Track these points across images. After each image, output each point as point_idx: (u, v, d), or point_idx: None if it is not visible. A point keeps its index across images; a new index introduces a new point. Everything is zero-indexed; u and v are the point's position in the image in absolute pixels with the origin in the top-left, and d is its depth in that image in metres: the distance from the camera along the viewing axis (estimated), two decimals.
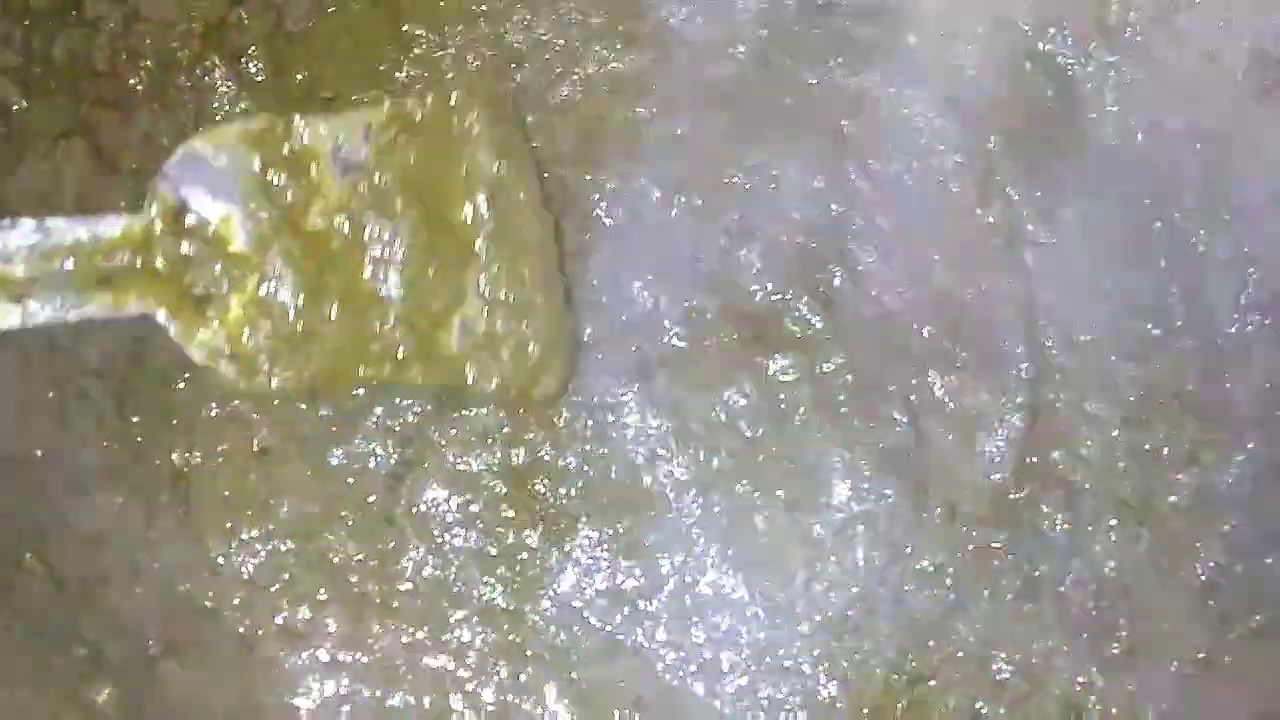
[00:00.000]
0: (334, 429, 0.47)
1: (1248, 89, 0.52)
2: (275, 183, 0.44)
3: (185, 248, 0.42)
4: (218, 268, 0.43)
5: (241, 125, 0.43)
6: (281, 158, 0.44)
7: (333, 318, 0.44)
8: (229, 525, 0.46)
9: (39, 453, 0.44)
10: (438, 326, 0.46)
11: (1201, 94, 0.53)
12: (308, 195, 0.44)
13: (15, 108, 0.43)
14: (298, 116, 0.44)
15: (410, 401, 0.47)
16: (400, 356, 0.46)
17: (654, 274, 0.51)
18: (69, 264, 0.40)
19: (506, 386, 0.47)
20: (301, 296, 0.44)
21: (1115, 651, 0.48)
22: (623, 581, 0.46)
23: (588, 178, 0.52)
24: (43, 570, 0.42)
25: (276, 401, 0.47)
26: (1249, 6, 0.51)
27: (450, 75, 0.52)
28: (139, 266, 0.41)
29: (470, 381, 0.47)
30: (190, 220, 0.42)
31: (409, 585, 0.46)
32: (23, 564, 0.42)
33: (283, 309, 0.43)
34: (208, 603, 0.44)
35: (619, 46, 0.54)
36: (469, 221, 0.46)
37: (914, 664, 0.47)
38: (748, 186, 0.52)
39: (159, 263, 0.42)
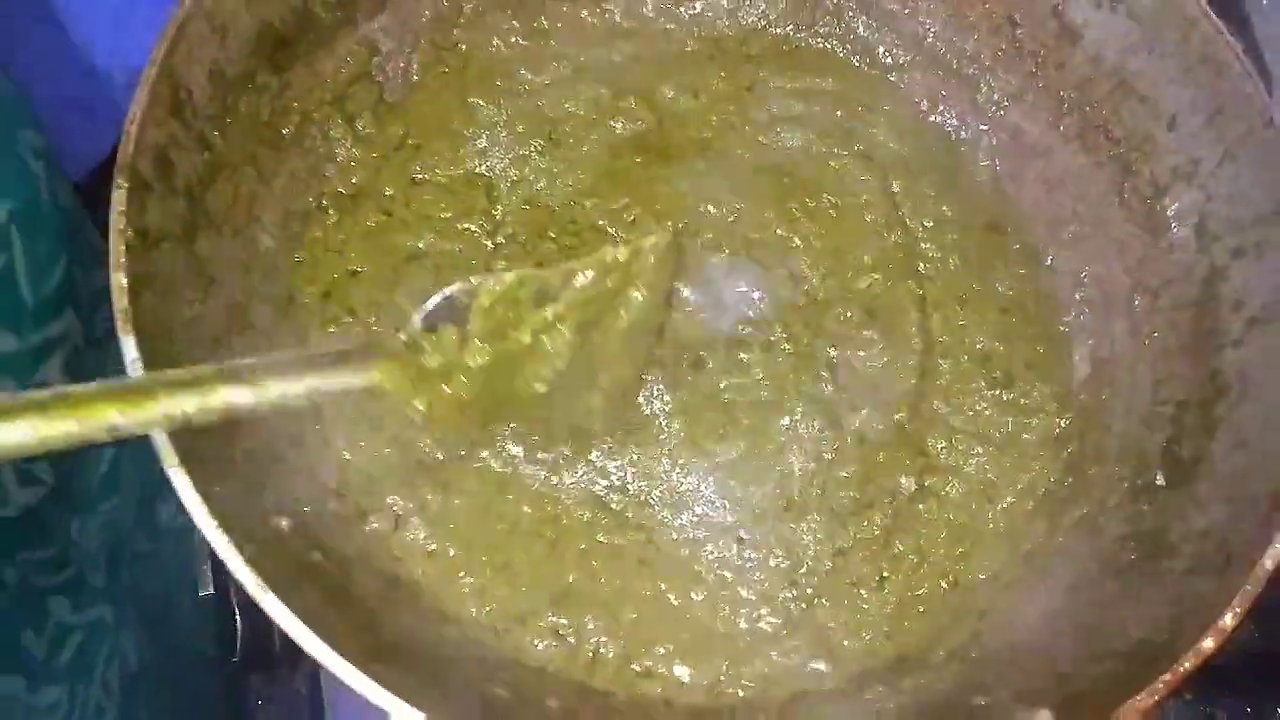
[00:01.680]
0: None
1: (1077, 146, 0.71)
2: (497, 314, 0.57)
3: (426, 352, 0.55)
4: (438, 364, 0.55)
5: (484, 278, 0.57)
6: (504, 298, 0.57)
7: (498, 393, 0.58)
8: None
9: None
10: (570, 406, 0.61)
11: (1045, 151, 0.73)
12: (515, 323, 0.58)
13: (215, 143, 0.60)
14: (521, 274, 0.58)
15: None
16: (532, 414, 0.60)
17: None
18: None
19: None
20: (482, 382, 0.57)
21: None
22: (629, 480, 0.63)
23: None
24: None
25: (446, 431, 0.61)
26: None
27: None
28: (395, 363, 0.53)
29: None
30: (434, 333, 0.55)
31: (479, 477, 0.63)
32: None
33: (468, 389, 0.56)
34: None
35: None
36: (614, 334, 0.62)
37: (835, 541, 0.64)
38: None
39: (410, 363, 0.54)
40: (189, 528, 0.74)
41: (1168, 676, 0.49)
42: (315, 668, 0.72)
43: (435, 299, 0.55)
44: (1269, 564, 0.51)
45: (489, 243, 0.68)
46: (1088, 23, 0.68)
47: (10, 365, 0.64)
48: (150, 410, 0.46)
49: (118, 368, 0.77)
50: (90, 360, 0.72)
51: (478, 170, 0.70)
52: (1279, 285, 0.59)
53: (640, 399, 0.65)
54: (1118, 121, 0.68)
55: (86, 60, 0.96)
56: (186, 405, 0.47)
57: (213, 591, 0.84)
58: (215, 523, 0.47)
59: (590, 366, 0.61)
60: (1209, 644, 0.50)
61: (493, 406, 0.58)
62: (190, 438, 0.50)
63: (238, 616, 0.79)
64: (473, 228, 0.68)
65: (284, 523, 0.54)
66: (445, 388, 0.56)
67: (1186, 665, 0.49)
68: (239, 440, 0.55)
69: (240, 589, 0.72)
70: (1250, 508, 0.54)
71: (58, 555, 0.75)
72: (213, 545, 0.47)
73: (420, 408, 0.55)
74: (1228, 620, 0.50)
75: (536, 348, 0.59)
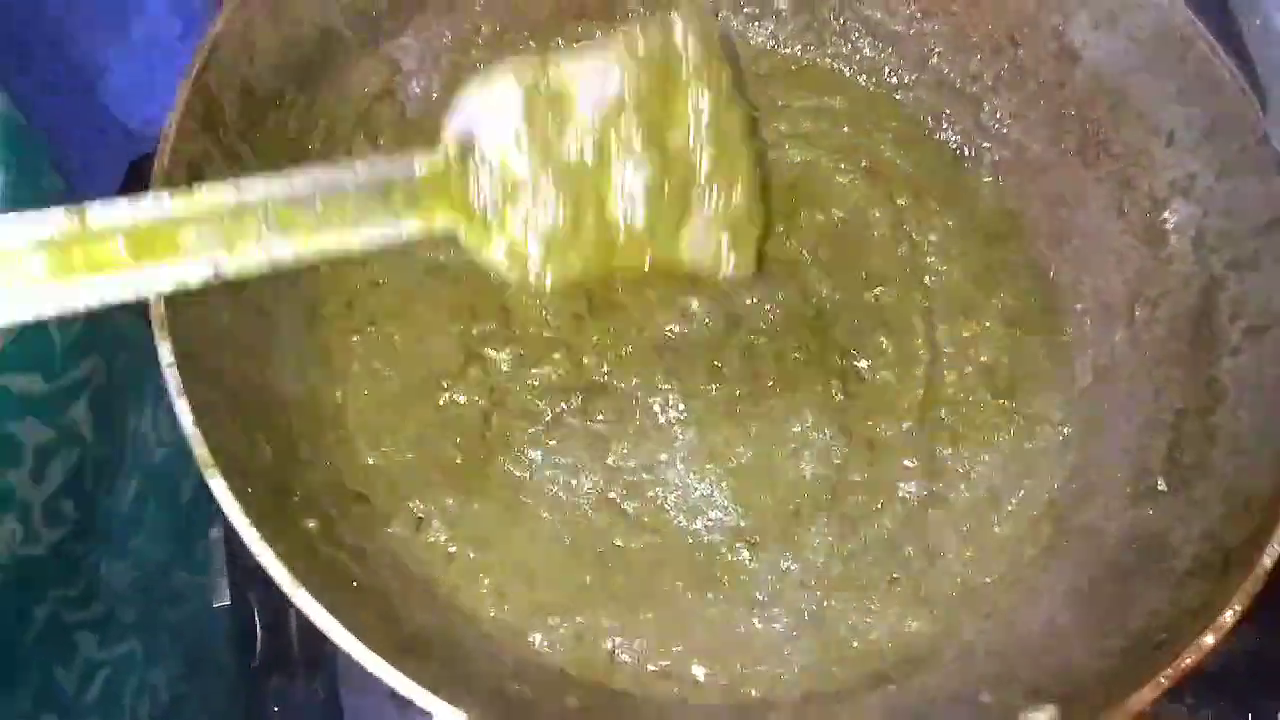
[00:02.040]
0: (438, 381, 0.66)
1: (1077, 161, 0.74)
2: (537, 117, 0.51)
3: (472, 175, 0.51)
4: (498, 189, 0.51)
5: (508, 69, 0.51)
6: (540, 96, 0.51)
7: (588, 226, 0.53)
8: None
9: None
10: (669, 236, 0.56)
11: (1047, 167, 0.75)
12: (561, 125, 0.52)
13: (244, 156, 0.62)
14: (553, 58, 0.52)
15: (502, 357, 0.66)
16: (638, 256, 0.55)
17: None
18: (387, 194, 0.48)
19: (715, 269, 0.58)
20: (562, 211, 0.52)
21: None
22: (644, 485, 0.64)
23: None
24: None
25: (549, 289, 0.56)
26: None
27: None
28: (441, 192, 0.50)
29: (689, 267, 0.57)
30: (474, 152, 0.51)
31: (498, 482, 0.64)
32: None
33: (549, 221, 0.52)
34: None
35: None
36: (691, 145, 0.54)
37: (845, 544, 0.65)
38: None
39: (455, 188, 0.50)
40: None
41: (1169, 671, 0.50)
42: (334, 671, 0.74)
43: (457, 106, 0.51)
44: (1268, 562, 0.53)
45: None
46: (1087, 44, 0.70)
47: (41, 405, 0.66)
48: (166, 256, 0.45)
49: (139, 406, 0.79)
50: (113, 401, 0.74)
51: None
52: (1273, 295, 0.61)
53: (649, 407, 0.66)
54: (1117, 138, 0.70)
55: (103, 111, 1.00)
56: (215, 252, 0.46)
57: (229, 602, 0.85)
58: (249, 521, 0.49)
59: (685, 191, 0.56)
60: (1209, 640, 0.51)
61: (595, 251, 0.54)
62: (224, 442, 0.52)
63: (258, 622, 0.80)
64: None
65: (311, 523, 0.56)
66: (524, 222, 0.51)
67: (1188, 661, 0.51)
68: (266, 444, 0.57)
69: (263, 592, 0.75)
70: (1248, 510, 0.56)
71: (85, 591, 0.77)
72: (247, 543, 0.49)
73: (503, 250, 0.51)
74: (1228, 617, 0.52)
75: (609, 166, 0.53)
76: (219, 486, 0.49)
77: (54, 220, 0.43)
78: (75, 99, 0.99)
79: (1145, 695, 0.50)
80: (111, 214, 0.44)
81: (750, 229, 0.60)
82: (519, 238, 0.52)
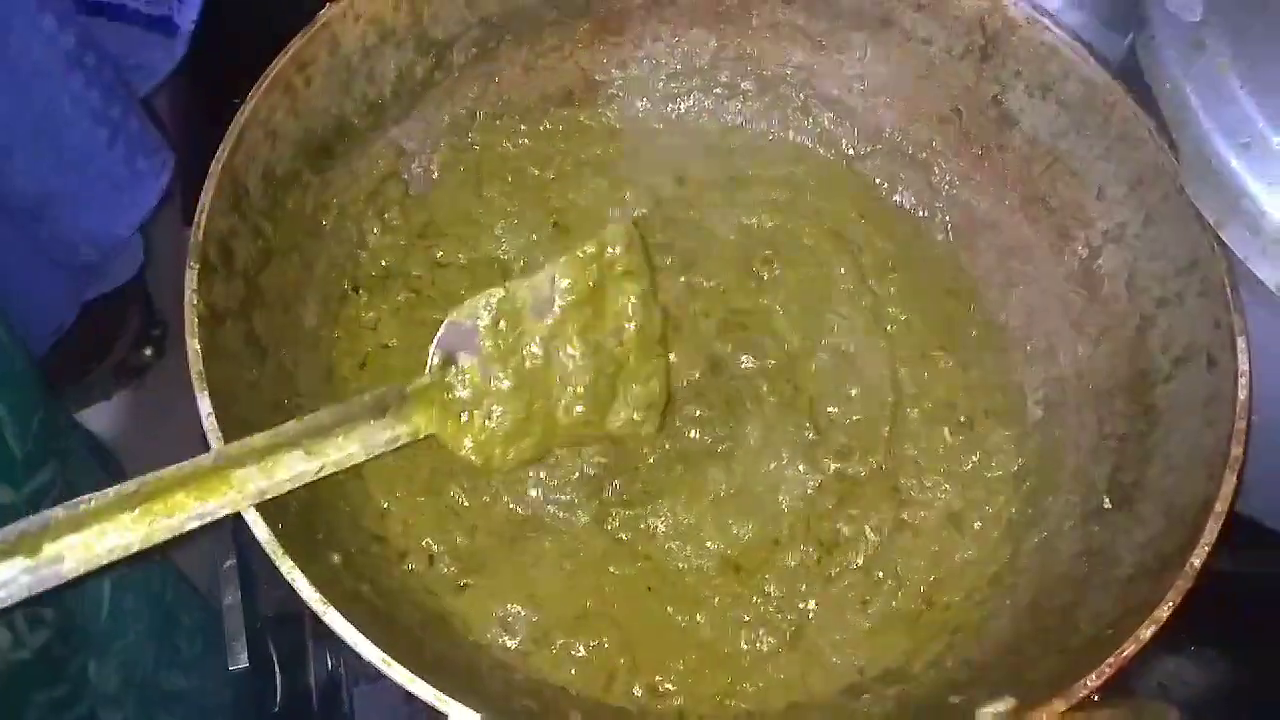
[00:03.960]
0: None
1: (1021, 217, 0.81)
2: (501, 331, 0.62)
3: (451, 384, 0.62)
4: (470, 396, 0.62)
5: (476, 301, 0.63)
6: (501, 317, 0.63)
7: (537, 417, 0.64)
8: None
9: None
10: (601, 417, 0.67)
11: (994, 223, 0.83)
12: (518, 339, 0.63)
13: (267, 232, 0.68)
14: (508, 285, 0.63)
15: None
16: (576, 433, 0.67)
17: None
18: (385, 411, 0.59)
19: (634, 434, 0.69)
20: (519, 409, 0.63)
21: None
22: (637, 516, 0.70)
23: None
24: None
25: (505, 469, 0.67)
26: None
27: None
28: (426, 403, 0.60)
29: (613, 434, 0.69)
30: (454, 367, 0.62)
31: (502, 519, 0.70)
32: None
33: (507, 421, 0.63)
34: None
35: None
36: (621, 343, 0.67)
37: (822, 570, 0.71)
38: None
39: (436, 398, 0.61)
40: (217, 664, 0.80)
41: (1111, 660, 0.56)
42: (352, 716, 0.78)
43: (441, 330, 0.62)
44: (1196, 563, 0.59)
45: None
46: (1023, 110, 0.77)
47: (9, 515, 0.70)
48: (225, 493, 0.53)
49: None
50: None
51: (494, 254, 0.78)
52: (1196, 327, 0.67)
53: (646, 447, 0.73)
54: (1054, 194, 0.77)
55: (52, 237, 1.05)
56: (258, 482, 0.54)
57: (246, 665, 0.89)
58: (282, 549, 0.54)
59: (613, 379, 0.68)
60: (1148, 633, 0.57)
61: (542, 434, 0.65)
62: None
63: (278, 674, 0.85)
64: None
65: (335, 558, 0.62)
66: (487, 422, 0.63)
67: (1128, 651, 0.57)
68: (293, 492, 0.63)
69: (281, 642, 0.80)
70: (1182, 520, 0.62)
71: (70, 694, 0.80)
72: (280, 569, 0.54)
73: (470, 447, 0.62)
74: (1164, 612, 0.57)
75: (554, 364, 0.65)
76: (253, 519, 0.55)
77: (138, 484, 0.52)
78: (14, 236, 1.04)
79: (1091, 683, 0.56)
80: (180, 472, 0.54)
81: (660, 403, 0.71)
82: (484, 436, 0.64)
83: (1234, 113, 0.64)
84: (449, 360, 0.63)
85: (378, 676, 0.73)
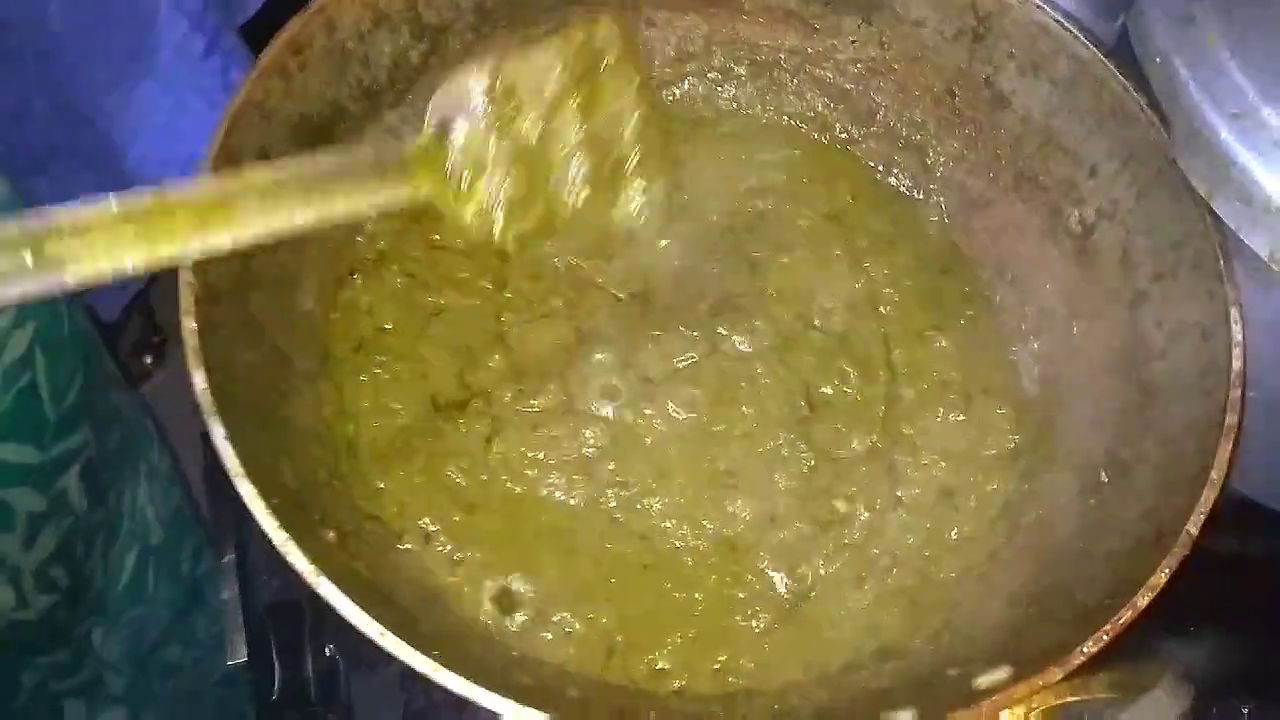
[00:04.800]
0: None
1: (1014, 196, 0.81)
2: (498, 98, 0.59)
3: (448, 154, 0.58)
4: (468, 165, 0.59)
5: (470, 69, 0.59)
6: (496, 90, 0.59)
7: (540, 196, 0.61)
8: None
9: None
10: (605, 209, 0.64)
11: (987, 203, 0.83)
12: (514, 113, 0.60)
13: None
14: (503, 61, 0.60)
15: (500, 391, 0.72)
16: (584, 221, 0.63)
17: None
18: (385, 168, 0.57)
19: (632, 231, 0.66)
20: (519, 182, 0.60)
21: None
22: (632, 496, 0.70)
23: None
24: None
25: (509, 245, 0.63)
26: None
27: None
28: (424, 167, 0.58)
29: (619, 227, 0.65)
30: (449, 136, 0.58)
31: (500, 498, 0.70)
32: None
33: (509, 189, 0.60)
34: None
35: None
36: (618, 129, 0.64)
37: (818, 547, 0.71)
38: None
39: (435, 164, 0.58)
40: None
41: (1109, 627, 0.56)
42: (350, 704, 0.78)
43: (435, 96, 0.60)
44: (1193, 530, 0.59)
45: (502, 296, 0.76)
46: (1015, 90, 0.77)
47: (32, 476, 0.70)
48: (225, 226, 0.52)
49: (134, 480, 0.82)
50: (104, 473, 0.79)
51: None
52: (1191, 301, 0.68)
53: (633, 429, 0.73)
54: (1047, 173, 0.77)
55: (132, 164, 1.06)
56: (258, 220, 0.53)
57: (245, 658, 0.89)
58: (277, 522, 0.54)
59: (616, 167, 0.65)
60: (1144, 601, 0.57)
61: (545, 212, 0.63)
62: (250, 459, 0.58)
63: (276, 663, 0.85)
64: (488, 285, 0.76)
65: (330, 534, 0.62)
66: (488, 188, 0.60)
67: (1125, 617, 0.57)
68: (287, 468, 0.63)
69: (281, 630, 0.79)
70: (1178, 491, 0.62)
71: (73, 659, 0.80)
72: (274, 541, 0.54)
73: (471, 213, 0.60)
74: (1160, 578, 0.57)
75: (556, 139, 0.62)
76: (248, 491, 0.55)
77: (140, 198, 0.51)
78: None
79: (1088, 650, 0.55)
80: (182, 192, 0.53)
81: (665, 202, 0.69)
82: (486, 204, 0.61)
83: (1224, 84, 0.65)
84: (445, 126, 0.60)
85: (375, 663, 0.74)
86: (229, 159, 0.65)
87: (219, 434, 0.56)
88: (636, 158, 0.66)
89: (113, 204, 0.50)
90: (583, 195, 0.64)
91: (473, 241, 0.64)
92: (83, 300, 0.72)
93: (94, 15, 0.95)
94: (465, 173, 0.60)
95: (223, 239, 0.53)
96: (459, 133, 0.60)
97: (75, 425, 0.72)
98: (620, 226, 0.67)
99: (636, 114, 0.65)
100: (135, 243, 0.50)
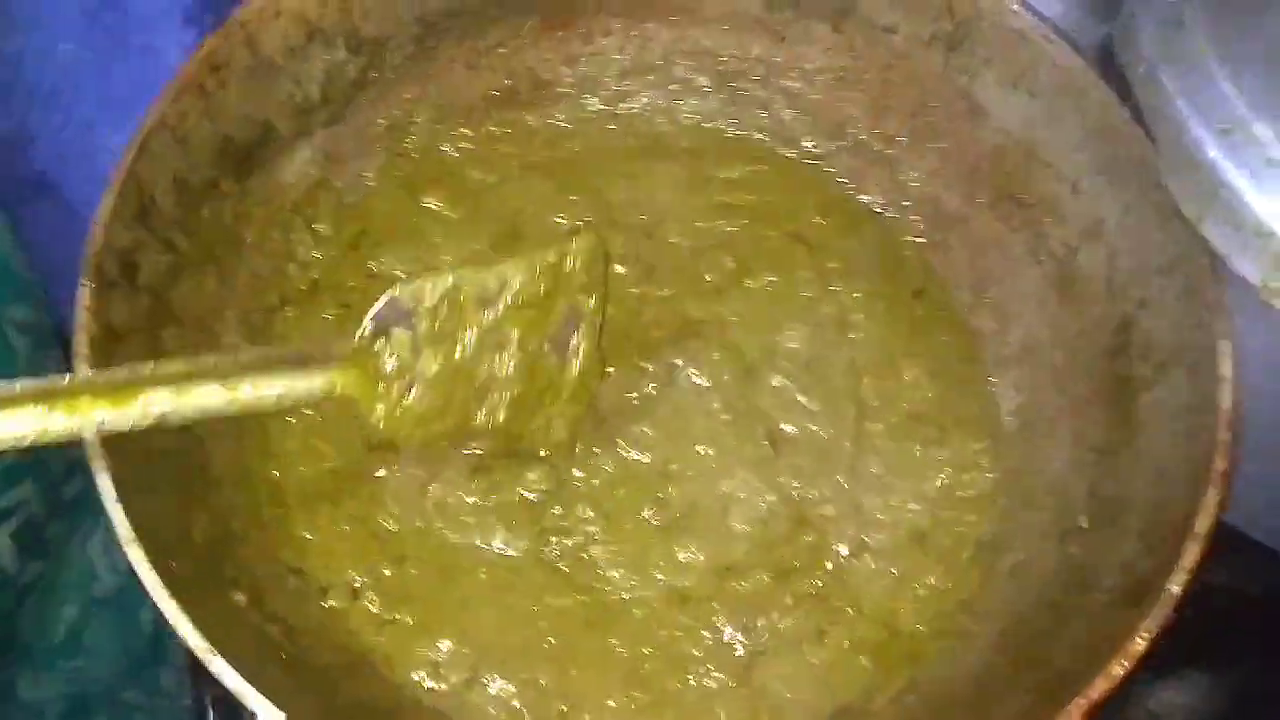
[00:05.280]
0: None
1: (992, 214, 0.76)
2: (440, 315, 0.59)
3: (380, 356, 0.58)
4: (393, 368, 0.58)
5: (423, 278, 0.59)
6: (443, 303, 0.59)
7: (455, 409, 0.61)
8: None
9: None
10: (521, 427, 0.64)
11: (965, 220, 0.77)
12: (456, 326, 0.60)
13: (179, 245, 0.63)
14: (458, 272, 0.60)
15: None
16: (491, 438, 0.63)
17: None
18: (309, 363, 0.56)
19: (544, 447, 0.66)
20: (439, 398, 0.60)
21: None
22: (577, 544, 0.66)
23: None
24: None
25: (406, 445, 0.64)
26: None
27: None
28: (350, 367, 0.57)
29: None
30: (385, 341, 0.58)
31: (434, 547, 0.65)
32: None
33: (425, 399, 0.59)
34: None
35: None
36: (560, 355, 0.64)
37: (776, 599, 0.66)
38: None
39: (363, 365, 0.58)
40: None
41: (1082, 701, 0.51)
42: None
43: (381, 302, 0.58)
44: (1175, 589, 0.53)
45: None
46: (994, 100, 0.72)
47: None
48: (133, 406, 0.50)
49: (86, 530, 0.79)
50: (51, 526, 0.74)
51: (435, 264, 0.74)
52: (1179, 330, 0.62)
53: (580, 471, 0.68)
54: (1028, 189, 0.72)
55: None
56: (167, 404, 0.51)
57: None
58: (168, 591, 0.50)
59: (541, 395, 0.64)
60: (1119, 670, 0.52)
61: (454, 427, 0.62)
62: (152, 518, 0.53)
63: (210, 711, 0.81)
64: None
65: (240, 597, 0.57)
66: (405, 398, 0.59)
67: (1099, 691, 0.51)
68: (199, 521, 0.59)
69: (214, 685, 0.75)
70: (1162, 540, 0.57)
71: None
72: (165, 613, 0.50)
73: (380, 414, 0.59)
74: (1139, 646, 0.52)
75: (486, 362, 0.61)
76: (137, 557, 0.51)
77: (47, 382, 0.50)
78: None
79: None
80: (89, 381, 0.51)
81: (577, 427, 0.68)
82: (397, 412, 0.60)
83: (1213, 95, 0.59)
84: (382, 332, 0.59)
85: None
86: (139, 188, 0.61)
87: (108, 494, 0.52)
88: (566, 394, 0.65)
89: (16, 387, 0.49)
90: (500, 416, 0.63)
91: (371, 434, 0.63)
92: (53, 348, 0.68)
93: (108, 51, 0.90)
94: (386, 381, 0.59)
95: (129, 419, 0.51)
96: (394, 341, 0.59)
97: (15, 480, 0.68)
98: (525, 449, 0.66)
99: (584, 347, 0.65)
100: (35, 418, 0.49)
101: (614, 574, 0.66)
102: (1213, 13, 0.61)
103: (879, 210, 0.79)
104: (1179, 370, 0.62)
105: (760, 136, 0.81)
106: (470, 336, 0.61)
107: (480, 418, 0.63)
